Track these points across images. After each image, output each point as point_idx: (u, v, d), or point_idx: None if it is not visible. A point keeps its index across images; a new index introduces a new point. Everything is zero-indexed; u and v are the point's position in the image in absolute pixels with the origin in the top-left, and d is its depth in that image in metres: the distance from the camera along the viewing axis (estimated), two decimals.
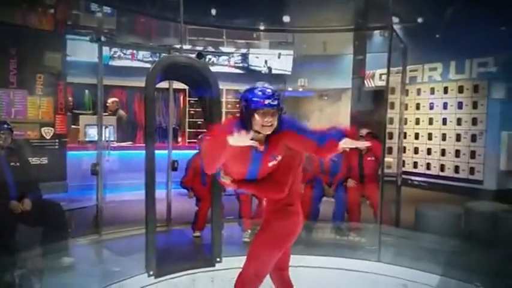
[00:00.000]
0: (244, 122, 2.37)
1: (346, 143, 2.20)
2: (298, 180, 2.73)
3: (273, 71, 9.81)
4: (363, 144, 4.40)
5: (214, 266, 3.68)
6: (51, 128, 6.40)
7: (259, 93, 2.37)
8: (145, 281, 3.33)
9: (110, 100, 8.11)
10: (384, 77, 6.45)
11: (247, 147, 2.29)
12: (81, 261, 3.69)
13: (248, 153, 2.38)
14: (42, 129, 6.33)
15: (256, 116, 2.33)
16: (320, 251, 4.06)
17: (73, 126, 7.48)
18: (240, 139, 2.16)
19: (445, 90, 7.87)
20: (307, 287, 3.33)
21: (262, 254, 2.56)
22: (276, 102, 2.36)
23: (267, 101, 2.34)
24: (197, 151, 4.97)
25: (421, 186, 7.72)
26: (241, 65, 9.85)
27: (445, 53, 7.60)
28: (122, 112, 8.32)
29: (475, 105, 7.39)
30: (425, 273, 3.53)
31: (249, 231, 4.49)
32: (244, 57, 9.82)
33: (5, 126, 3.84)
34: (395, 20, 6.62)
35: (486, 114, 7.20)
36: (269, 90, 2.40)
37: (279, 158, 2.47)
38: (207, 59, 8.75)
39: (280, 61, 9.70)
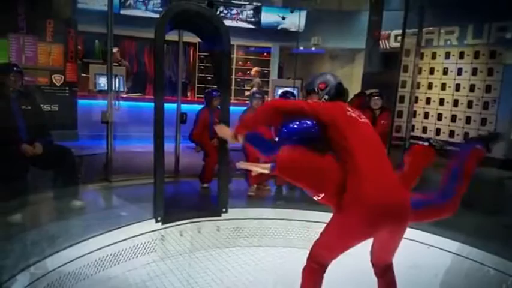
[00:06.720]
0: None
1: None
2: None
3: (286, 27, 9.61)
4: None
5: (220, 215, 3.78)
6: (61, 76, 6.41)
7: None
8: (152, 226, 3.43)
9: (114, 49, 8.00)
10: (400, 38, 6.28)
11: None
12: (92, 205, 3.80)
13: None
14: (53, 76, 6.34)
15: None
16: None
17: (83, 75, 7.47)
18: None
19: (461, 55, 7.66)
20: None
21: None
22: None
23: None
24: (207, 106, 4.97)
25: None
26: (252, 20, 9.61)
27: (463, 16, 7.32)
28: (125, 63, 8.22)
29: (490, 72, 7.20)
30: (425, 233, 3.60)
31: (255, 186, 4.57)
32: (257, 11, 9.57)
33: (15, 68, 3.78)
34: None
35: (501, 82, 7.04)
36: None
37: None
38: (217, 12, 8.55)
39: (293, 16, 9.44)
